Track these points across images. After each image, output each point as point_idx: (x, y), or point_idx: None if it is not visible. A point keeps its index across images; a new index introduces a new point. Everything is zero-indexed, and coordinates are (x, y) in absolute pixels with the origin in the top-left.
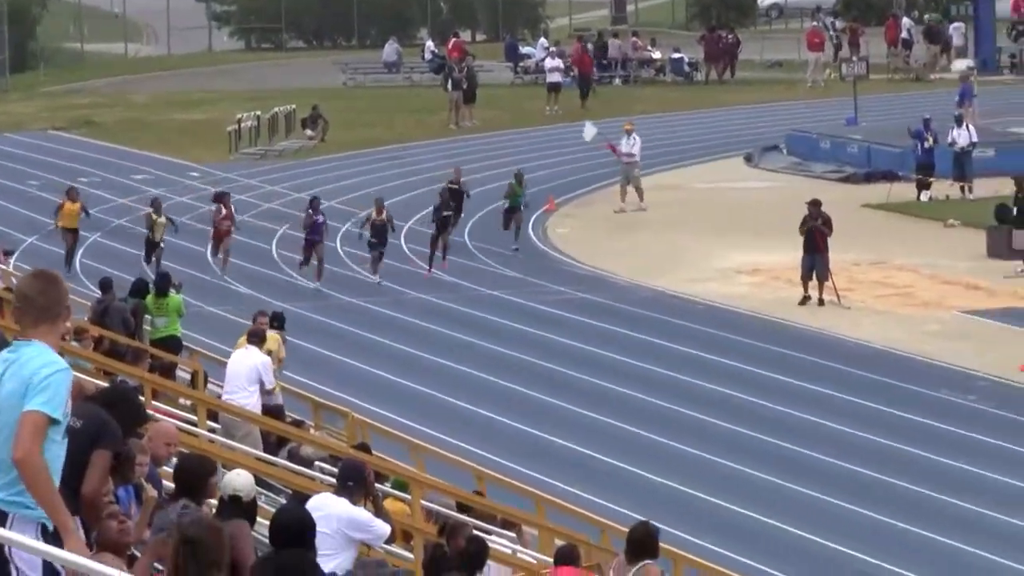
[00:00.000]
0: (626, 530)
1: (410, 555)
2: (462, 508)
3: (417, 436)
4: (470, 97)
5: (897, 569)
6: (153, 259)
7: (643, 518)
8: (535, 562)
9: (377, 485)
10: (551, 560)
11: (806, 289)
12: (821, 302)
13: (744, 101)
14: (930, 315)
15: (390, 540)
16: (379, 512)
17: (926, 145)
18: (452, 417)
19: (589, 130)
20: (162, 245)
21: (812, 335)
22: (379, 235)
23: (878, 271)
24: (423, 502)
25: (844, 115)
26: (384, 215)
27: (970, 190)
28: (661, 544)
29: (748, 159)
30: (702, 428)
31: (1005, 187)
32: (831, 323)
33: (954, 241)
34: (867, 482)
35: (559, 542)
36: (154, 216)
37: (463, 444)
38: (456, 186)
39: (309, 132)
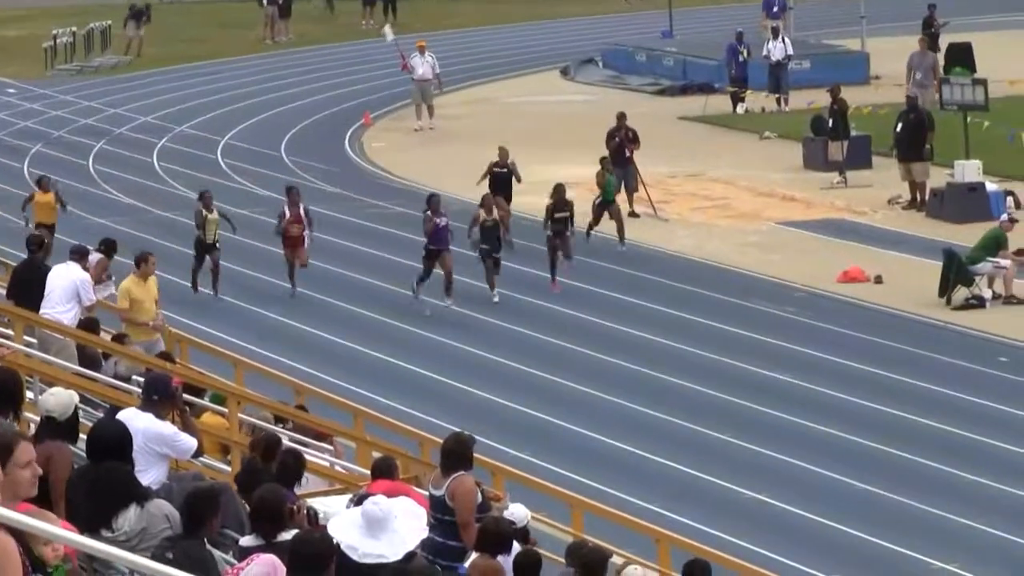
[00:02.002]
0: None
1: (227, 468)
2: (279, 421)
3: (237, 351)
4: (285, 12)
5: (706, 475)
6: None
7: (458, 429)
8: (353, 474)
9: (195, 399)
10: (369, 472)
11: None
12: (633, 214)
13: (561, 15)
14: (747, 227)
15: (198, 454)
16: (187, 426)
17: (740, 58)
18: (271, 332)
19: (388, 33)
20: (218, 247)
21: (627, 246)
22: (490, 239)
23: (694, 183)
24: (243, 416)
25: (660, 28)
26: (494, 214)
27: (786, 102)
28: (478, 455)
29: (564, 73)
30: (510, 337)
31: (821, 99)
32: (646, 235)
33: (770, 153)
34: (680, 391)
35: (376, 454)
36: (204, 212)
37: (282, 359)
38: (504, 169)
39: (131, 31)
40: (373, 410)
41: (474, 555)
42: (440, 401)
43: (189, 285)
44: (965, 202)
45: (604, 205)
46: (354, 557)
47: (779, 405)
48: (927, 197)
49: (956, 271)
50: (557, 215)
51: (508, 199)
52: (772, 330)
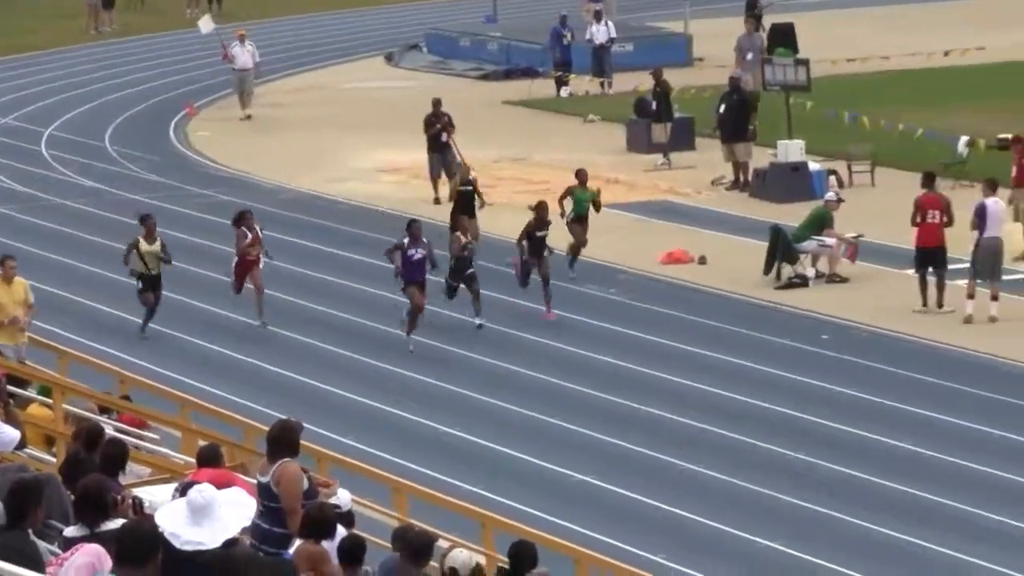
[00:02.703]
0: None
1: (52, 459)
2: (103, 411)
3: (63, 343)
4: (108, 2)
5: (530, 457)
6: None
7: (284, 416)
8: (180, 463)
9: (18, 390)
10: (195, 461)
11: (436, 189)
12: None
13: (385, 1)
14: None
15: (22, 445)
16: (9, 418)
17: (563, 42)
18: (94, 322)
19: (206, 23)
20: (160, 281)
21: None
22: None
23: (518, 167)
24: (67, 407)
25: (483, 13)
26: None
27: (609, 85)
28: (304, 442)
29: (389, 59)
30: (322, 320)
31: (644, 81)
32: None
33: (594, 136)
34: (505, 373)
35: (201, 443)
36: (142, 242)
37: (108, 349)
38: (468, 187)
39: None
40: (198, 399)
41: (298, 541)
42: (263, 389)
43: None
44: (788, 182)
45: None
46: (176, 544)
47: (602, 386)
48: (750, 177)
49: (782, 248)
50: (538, 233)
51: (472, 217)
52: (596, 312)
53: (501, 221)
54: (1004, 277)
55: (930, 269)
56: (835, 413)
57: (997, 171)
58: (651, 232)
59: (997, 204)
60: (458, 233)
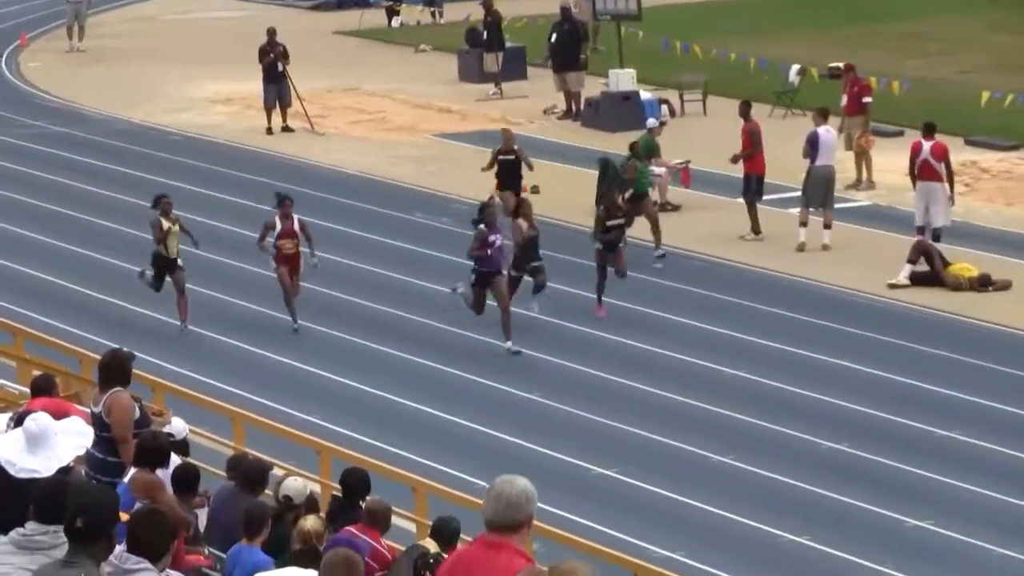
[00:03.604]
0: None
1: None
2: None
3: None
4: None
5: (368, 387)
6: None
7: (115, 346)
8: (15, 393)
9: None
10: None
11: (270, 119)
12: (287, 128)
13: None
14: (403, 140)
15: None
16: None
17: None
18: None
19: None
20: (180, 264)
21: (284, 161)
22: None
23: (350, 97)
24: None
25: None
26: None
27: (440, 15)
28: (137, 371)
29: None
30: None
31: (475, 11)
32: (303, 149)
33: (426, 66)
34: (339, 303)
35: (36, 372)
36: (163, 221)
37: None
38: (511, 156)
39: None
40: (33, 329)
41: (133, 470)
42: (93, 318)
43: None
44: (619, 111)
45: (635, 200)
46: (12, 472)
47: (443, 318)
48: (582, 107)
49: (612, 179)
50: (611, 223)
51: (517, 193)
52: (432, 242)
53: (333, 151)
54: (836, 205)
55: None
56: (667, 341)
57: (828, 100)
58: (483, 162)
59: (829, 133)
60: (521, 220)
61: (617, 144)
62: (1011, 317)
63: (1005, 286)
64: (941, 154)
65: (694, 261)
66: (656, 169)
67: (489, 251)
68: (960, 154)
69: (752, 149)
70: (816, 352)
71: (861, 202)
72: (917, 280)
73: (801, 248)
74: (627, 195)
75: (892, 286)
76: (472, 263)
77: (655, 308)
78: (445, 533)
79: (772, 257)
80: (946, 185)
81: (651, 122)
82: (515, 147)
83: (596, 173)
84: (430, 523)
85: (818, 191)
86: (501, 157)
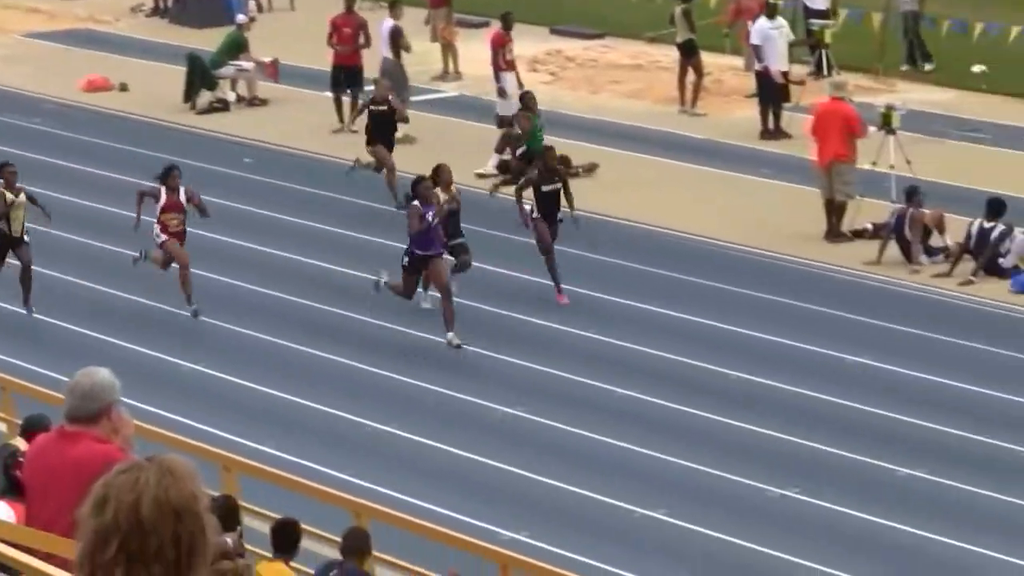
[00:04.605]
0: None
1: None
2: None
3: None
4: None
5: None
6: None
7: None
8: None
9: None
10: None
11: None
12: None
13: None
14: None
15: None
16: None
17: None
18: None
19: None
20: (27, 240)
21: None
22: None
23: None
24: None
25: None
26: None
27: None
28: None
29: None
30: None
31: None
32: None
33: None
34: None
35: None
36: (7, 193)
37: None
38: (383, 107)
39: None
40: None
41: None
42: None
43: None
44: (206, 7)
45: (526, 156)
46: None
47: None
48: (170, 3)
49: (200, 76)
50: (545, 188)
51: (390, 148)
52: (20, 142)
53: None
54: (425, 97)
55: (348, 89)
56: (241, 232)
57: None
58: (72, 60)
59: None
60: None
61: (207, 39)
62: (596, 203)
63: (591, 168)
64: (495, 42)
65: (279, 155)
66: (244, 64)
67: (427, 230)
68: (546, 43)
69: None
70: (361, 232)
71: (448, 93)
72: (504, 169)
73: None
74: (519, 152)
75: (480, 175)
76: (406, 245)
77: (248, 204)
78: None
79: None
80: (506, 74)
81: (240, 18)
82: (389, 96)
83: (185, 70)
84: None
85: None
86: (372, 108)
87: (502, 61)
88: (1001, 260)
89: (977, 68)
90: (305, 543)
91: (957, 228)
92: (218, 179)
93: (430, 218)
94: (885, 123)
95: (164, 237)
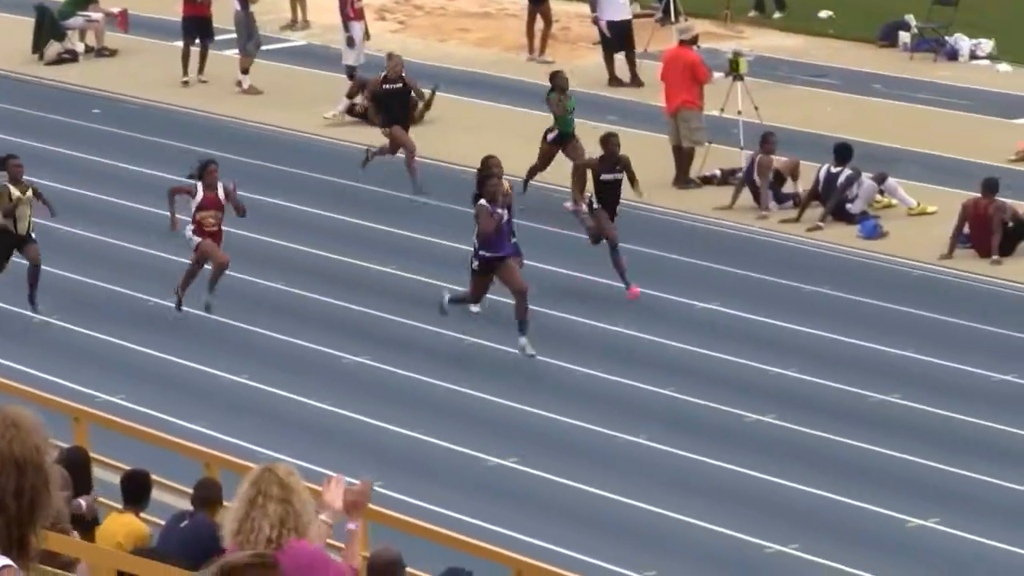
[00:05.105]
0: None
1: None
2: None
3: None
4: None
5: None
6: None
7: None
8: None
9: None
10: None
11: None
12: None
13: None
14: None
15: None
16: None
17: None
18: None
19: None
20: (34, 238)
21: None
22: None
23: None
24: None
25: None
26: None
27: None
28: None
29: None
30: None
31: None
32: None
33: None
34: None
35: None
36: (11, 189)
37: None
38: (397, 84)
39: None
40: None
41: None
42: None
43: None
44: None
45: (559, 142)
46: None
47: None
48: None
49: (49, 27)
50: (605, 176)
51: (406, 128)
52: None
53: None
54: (274, 46)
55: (197, 40)
56: (92, 183)
57: None
58: None
59: None
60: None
61: None
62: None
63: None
64: None
65: (128, 106)
66: (92, 15)
67: (496, 231)
68: None
69: None
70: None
71: (297, 42)
72: (351, 112)
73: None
74: (551, 137)
75: (327, 119)
76: (474, 248)
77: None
78: None
79: (215, 101)
80: (354, 23)
81: None
82: (403, 74)
83: (32, 20)
84: None
85: (240, 32)
86: (386, 86)
87: (350, 10)
88: (849, 206)
89: (824, 14)
90: (156, 494)
91: (806, 174)
92: (67, 130)
93: (500, 216)
94: (733, 69)
95: (198, 239)
